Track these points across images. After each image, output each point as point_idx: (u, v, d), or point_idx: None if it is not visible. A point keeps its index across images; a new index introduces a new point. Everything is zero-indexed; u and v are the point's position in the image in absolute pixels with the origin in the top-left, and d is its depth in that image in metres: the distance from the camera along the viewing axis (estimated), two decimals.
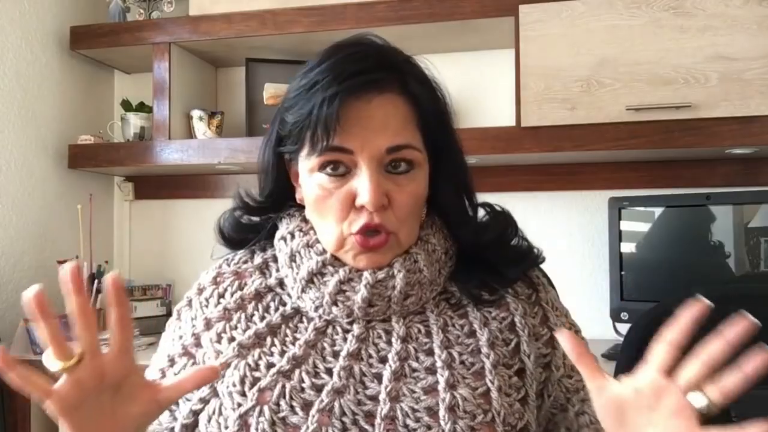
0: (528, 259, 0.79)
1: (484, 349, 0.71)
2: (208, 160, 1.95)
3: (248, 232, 0.82)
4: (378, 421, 0.66)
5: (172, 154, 1.97)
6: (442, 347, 0.71)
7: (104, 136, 2.17)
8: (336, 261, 0.72)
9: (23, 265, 1.95)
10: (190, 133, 2.07)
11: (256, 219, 0.81)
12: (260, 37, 1.94)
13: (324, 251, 0.73)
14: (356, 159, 0.69)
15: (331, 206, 0.71)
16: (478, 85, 2.03)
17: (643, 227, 1.80)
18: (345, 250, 0.72)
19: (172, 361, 0.76)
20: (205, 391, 0.72)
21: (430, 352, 0.71)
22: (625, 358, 0.99)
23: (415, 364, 0.70)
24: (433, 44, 1.95)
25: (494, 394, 0.68)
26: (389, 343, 0.71)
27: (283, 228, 0.77)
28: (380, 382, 0.68)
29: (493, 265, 0.76)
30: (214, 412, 0.71)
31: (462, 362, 0.70)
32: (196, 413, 0.73)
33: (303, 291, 0.73)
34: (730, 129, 1.59)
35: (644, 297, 1.73)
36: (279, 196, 0.79)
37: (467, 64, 2.04)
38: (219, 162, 1.94)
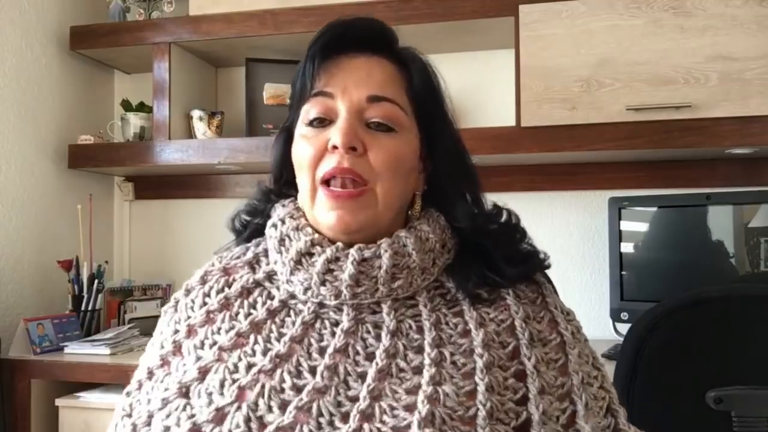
0: (532, 261, 0.77)
1: (478, 350, 0.67)
2: (208, 160, 1.95)
3: (253, 217, 0.83)
4: (354, 413, 0.63)
5: (172, 154, 1.97)
6: (433, 345, 0.68)
7: (104, 136, 2.17)
8: (324, 240, 0.72)
9: (23, 265, 1.95)
10: (190, 133, 2.07)
11: (263, 206, 0.82)
12: (260, 37, 1.94)
13: (313, 233, 0.73)
14: (337, 106, 0.72)
15: (307, 152, 0.73)
16: (478, 85, 2.03)
17: (643, 227, 1.80)
18: (317, 205, 0.72)
19: (150, 374, 0.74)
20: (170, 391, 0.69)
21: (419, 350, 0.68)
22: (625, 358, 0.99)
23: (402, 363, 0.67)
24: (433, 44, 1.95)
25: (481, 390, 0.65)
26: (378, 338, 0.69)
27: (275, 216, 0.77)
28: (364, 381, 0.66)
29: (494, 262, 0.74)
30: (177, 409, 0.68)
31: (453, 362, 0.67)
32: (151, 414, 0.70)
33: (292, 273, 0.72)
34: (730, 129, 1.59)
35: (644, 297, 1.73)
36: (288, 181, 0.80)
37: (467, 64, 2.04)
38: (219, 162, 1.94)
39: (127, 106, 2.15)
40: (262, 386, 0.66)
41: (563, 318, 0.74)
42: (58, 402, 1.73)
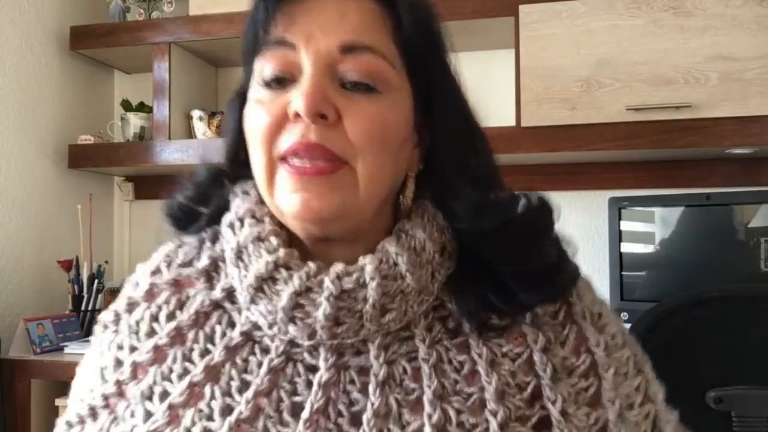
0: (556, 278, 0.58)
1: (491, 405, 0.53)
2: (208, 160, 1.95)
3: (202, 205, 0.65)
4: None
5: (172, 154, 1.97)
6: (435, 399, 0.53)
7: (104, 136, 2.17)
8: (292, 258, 0.55)
9: (23, 265, 1.95)
10: (190, 133, 2.07)
11: (216, 191, 0.65)
12: None
13: (277, 248, 0.55)
14: (300, 59, 0.54)
15: (261, 121, 0.54)
16: (478, 85, 2.01)
17: (643, 227, 1.80)
18: (278, 188, 0.54)
19: (93, 413, 0.60)
20: None
21: (417, 405, 0.53)
22: None
23: (396, 431, 0.52)
24: None
25: None
26: (364, 390, 0.54)
27: (233, 212, 0.60)
28: None
29: (503, 279, 0.57)
30: None
31: (459, 424, 0.52)
32: None
33: (252, 302, 0.56)
34: (730, 129, 1.60)
35: (644, 297, 1.73)
36: (246, 161, 0.60)
37: (467, 64, 2.02)
38: (219, 162, 1.94)
39: (127, 106, 2.15)
40: None
41: (593, 329, 0.59)
42: (58, 402, 1.73)
